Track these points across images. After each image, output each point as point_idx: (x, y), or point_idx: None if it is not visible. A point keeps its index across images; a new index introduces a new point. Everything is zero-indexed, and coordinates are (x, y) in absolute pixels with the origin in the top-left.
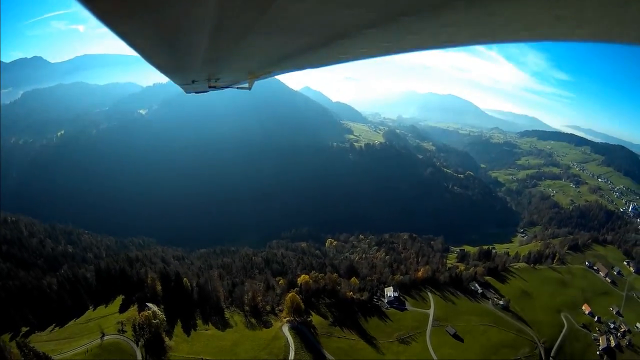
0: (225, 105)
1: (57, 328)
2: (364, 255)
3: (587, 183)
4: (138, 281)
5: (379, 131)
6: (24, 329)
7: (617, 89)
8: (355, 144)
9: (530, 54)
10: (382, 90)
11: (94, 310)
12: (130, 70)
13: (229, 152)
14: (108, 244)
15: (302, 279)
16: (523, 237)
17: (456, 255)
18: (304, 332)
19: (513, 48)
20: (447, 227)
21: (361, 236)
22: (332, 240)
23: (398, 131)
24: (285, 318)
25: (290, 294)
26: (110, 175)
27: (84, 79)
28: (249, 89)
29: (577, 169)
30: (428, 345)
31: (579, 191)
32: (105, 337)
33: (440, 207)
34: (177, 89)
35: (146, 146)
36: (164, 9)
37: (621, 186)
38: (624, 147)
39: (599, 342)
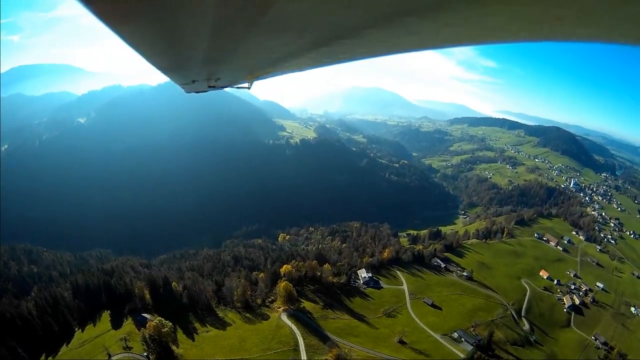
0: (160, 108)
1: (50, 358)
2: (320, 246)
3: (524, 164)
4: (126, 292)
5: (309, 127)
6: None
7: (546, 72)
8: (291, 140)
9: None
10: (305, 85)
11: (82, 331)
12: (64, 79)
13: (168, 156)
14: (69, 260)
15: (285, 268)
16: (465, 218)
17: (407, 238)
18: (302, 318)
19: None
20: (389, 214)
21: (311, 228)
22: (285, 234)
23: (328, 126)
24: (280, 308)
25: (282, 284)
26: (55, 187)
27: (21, 90)
28: (249, 88)
29: (512, 151)
30: (412, 315)
31: (516, 172)
32: (113, 358)
33: (380, 195)
34: (111, 95)
35: (88, 155)
36: (164, 8)
37: (560, 164)
38: (560, 127)
39: (563, 301)
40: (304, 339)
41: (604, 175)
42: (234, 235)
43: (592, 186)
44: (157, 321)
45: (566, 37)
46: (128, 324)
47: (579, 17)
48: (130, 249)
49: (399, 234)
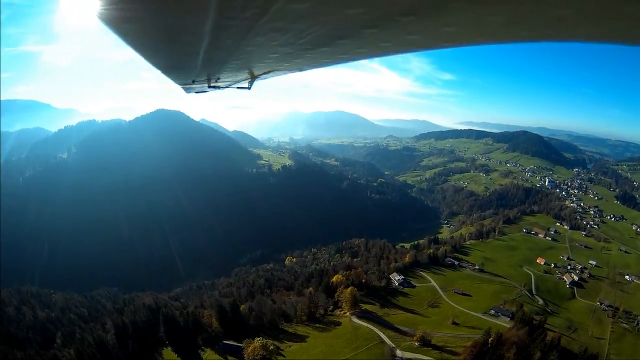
0: (139, 142)
1: None
2: (331, 263)
3: (496, 170)
4: (193, 323)
5: (282, 154)
6: None
7: (505, 78)
8: (272, 167)
9: (414, 61)
10: (265, 114)
11: None
12: (33, 115)
13: (156, 189)
14: (81, 301)
15: (336, 278)
16: (449, 227)
17: (408, 248)
18: (371, 317)
19: (396, 58)
20: (377, 230)
21: (314, 249)
22: (291, 257)
23: (300, 152)
24: (346, 313)
25: (348, 290)
26: (44, 224)
27: None
28: (249, 88)
29: (483, 159)
30: (451, 303)
31: (490, 178)
32: None
33: (366, 213)
34: (87, 130)
35: (75, 190)
36: (164, 9)
37: (532, 166)
38: (526, 131)
39: (564, 279)
40: (382, 333)
41: (576, 170)
42: (241, 263)
43: (566, 181)
44: (260, 342)
45: (566, 37)
46: (209, 354)
47: (579, 17)
48: (137, 286)
49: (395, 247)
